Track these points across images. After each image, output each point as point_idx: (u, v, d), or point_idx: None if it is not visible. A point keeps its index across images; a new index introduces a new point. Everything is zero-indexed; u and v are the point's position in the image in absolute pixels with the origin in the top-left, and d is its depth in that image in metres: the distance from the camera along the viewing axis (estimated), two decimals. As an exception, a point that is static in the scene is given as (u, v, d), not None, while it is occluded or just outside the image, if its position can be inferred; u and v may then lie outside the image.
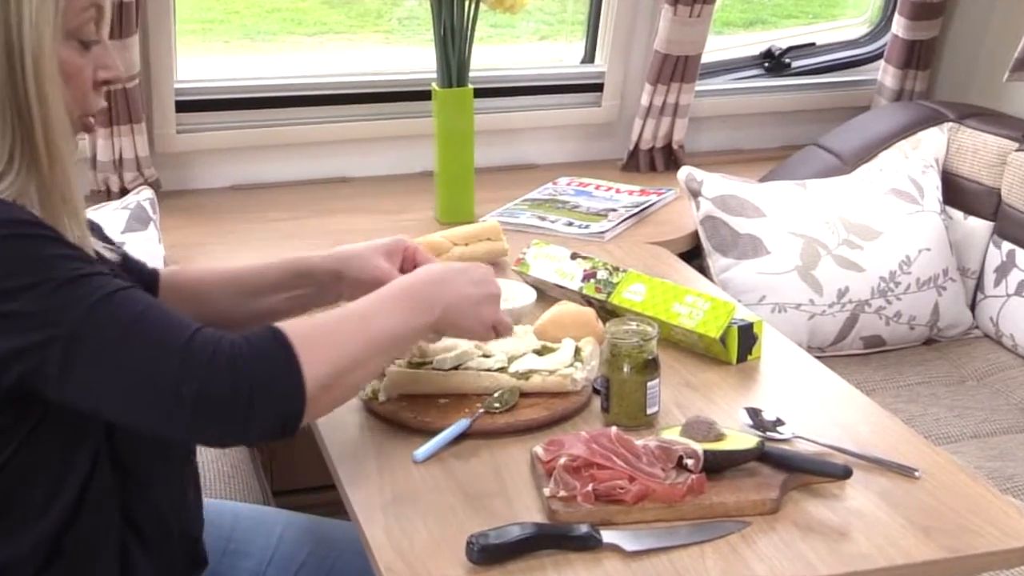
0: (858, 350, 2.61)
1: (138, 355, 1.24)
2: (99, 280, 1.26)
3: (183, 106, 2.81)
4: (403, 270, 1.65)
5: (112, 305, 1.25)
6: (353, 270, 1.62)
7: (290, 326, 1.31)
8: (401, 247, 1.68)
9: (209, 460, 2.07)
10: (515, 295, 1.97)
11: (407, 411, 1.66)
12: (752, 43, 3.36)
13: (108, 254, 1.44)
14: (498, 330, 1.57)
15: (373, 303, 1.42)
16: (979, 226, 2.68)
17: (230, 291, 1.64)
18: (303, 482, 2.49)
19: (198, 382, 1.24)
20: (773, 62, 3.33)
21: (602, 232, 2.55)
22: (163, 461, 1.43)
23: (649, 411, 1.64)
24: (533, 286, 2.03)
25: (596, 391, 1.71)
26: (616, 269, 1.98)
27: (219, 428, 1.26)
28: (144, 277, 1.60)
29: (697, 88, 3.07)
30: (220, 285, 1.65)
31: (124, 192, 2.63)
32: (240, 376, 1.25)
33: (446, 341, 1.75)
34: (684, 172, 2.67)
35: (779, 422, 1.64)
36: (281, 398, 1.28)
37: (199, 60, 2.95)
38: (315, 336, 1.32)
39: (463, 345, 1.74)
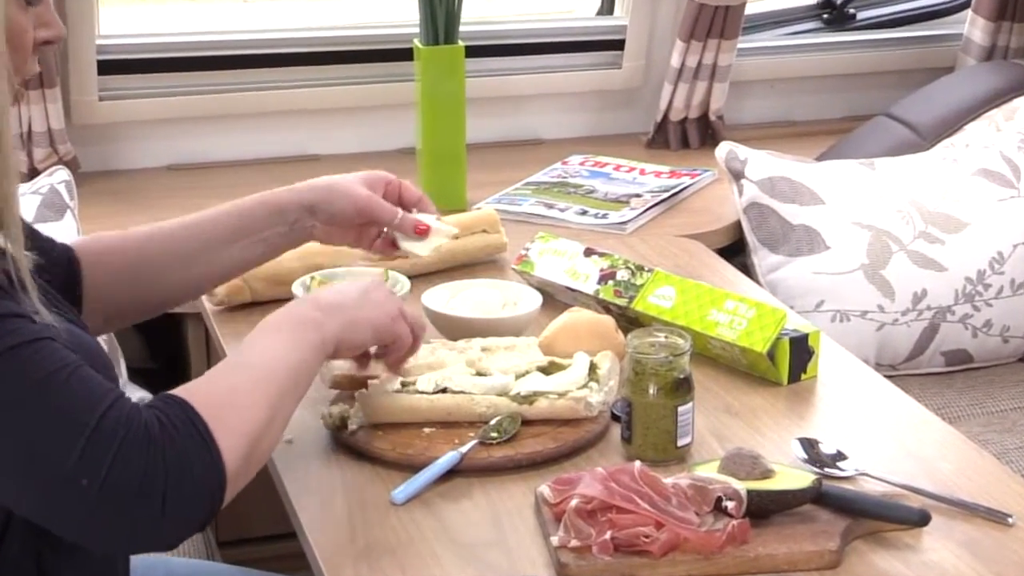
0: (939, 368, 2.61)
1: (34, 432, 1.25)
2: (10, 324, 1.26)
3: (107, 67, 2.82)
4: (386, 198, 1.74)
5: (15, 361, 1.25)
6: (331, 200, 1.69)
7: (197, 396, 1.34)
8: (383, 179, 1.74)
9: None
10: (516, 300, 1.98)
11: (383, 442, 1.67)
12: (808, -10, 3.38)
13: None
14: (414, 330, 1.61)
15: (255, 340, 1.46)
16: (1087, 215, 2.69)
17: (179, 249, 1.67)
18: (255, 530, 2.50)
19: (103, 472, 1.25)
20: (834, 13, 3.34)
21: (623, 223, 2.56)
22: None
23: (680, 442, 1.65)
24: (538, 289, 2.04)
25: (615, 418, 1.72)
26: (640, 268, 1.99)
27: (122, 529, 1.27)
28: (55, 258, 1.60)
29: (740, 46, 3.08)
30: (165, 244, 1.67)
31: (34, 173, 2.63)
32: (155, 469, 1.27)
33: (431, 357, 1.76)
34: (724, 149, 2.68)
35: (840, 456, 1.65)
36: (198, 495, 1.30)
37: (127, 11, 2.97)
38: (222, 401, 1.34)
39: (452, 361, 1.75)
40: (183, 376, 2.28)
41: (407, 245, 1.80)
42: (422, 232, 1.78)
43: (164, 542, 1.32)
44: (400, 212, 1.77)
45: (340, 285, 1.62)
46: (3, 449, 1.25)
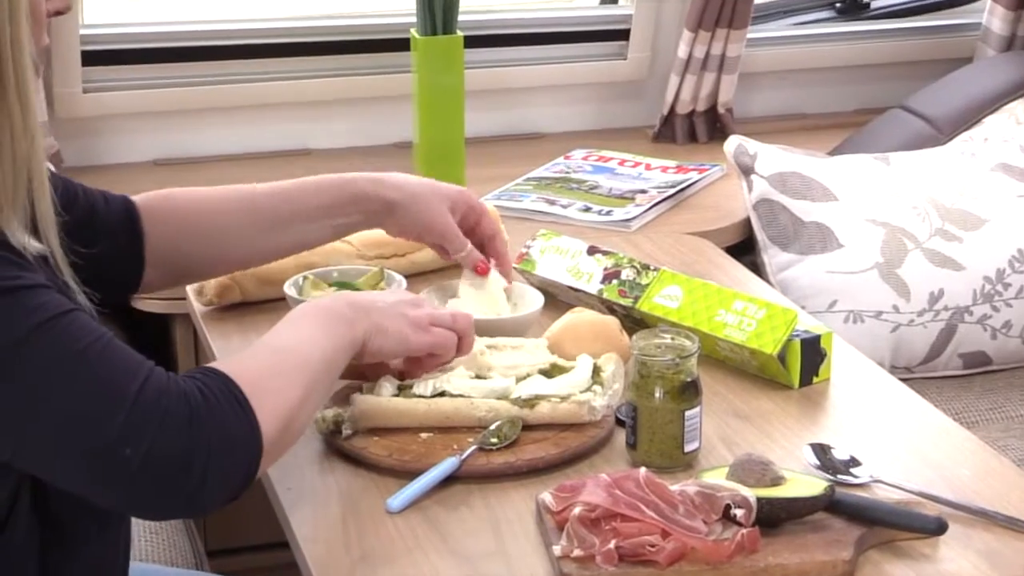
0: (956, 370, 2.62)
1: (76, 404, 1.29)
2: (39, 296, 1.30)
3: (91, 58, 2.82)
4: (464, 230, 1.83)
5: (51, 334, 1.29)
6: (412, 209, 1.78)
7: (238, 371, 1.39)
8: (468, 203, 1.82)
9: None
10: (517, 301, 1.98)
11: (379, 448, 1.67)
12: (821, -22, 3.38)
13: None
14: (457, 329, 1.65)
15: (288, 327, 1.52)
16: (1111, 212, 2.69)
17: (265, 215, 1.72)
18: (245, 539, 2.50)
19: (147, 444, 1.29)
20: (847, 2, 3.34)
21: (628, 220, 2.57)
22: (97, 517, 1.45)
23: (687, 448, 1.65)
24: (539, 289, 2.04)
25: (620, 422, 1.72)
26: (646, 267, 1.99)
27: (163, 498, 1.33)
28: (111, 213, 1.65)
29: (750, 35, 3.08)
30: (248, 207, 1.72)
31: (17, 168, 2.63)
32: (197, 439, 1.32)
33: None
34: (733, 143, 2.68)
35: (853, 462, 1.65)
36: (237, 464, 1.36)
37: (112, 0, 2.97)
38: (264, 381, 1.41)
39: (454, 362, 1.75)
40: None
41: (464, 280, 1.91)
42: (482, 272, 1.88)
43: (202, 509, 1.36)
44: (469, 246, 1.85)
45: (378, 292, 1.73)
46: (45, 422, 1.28)
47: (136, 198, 1.73)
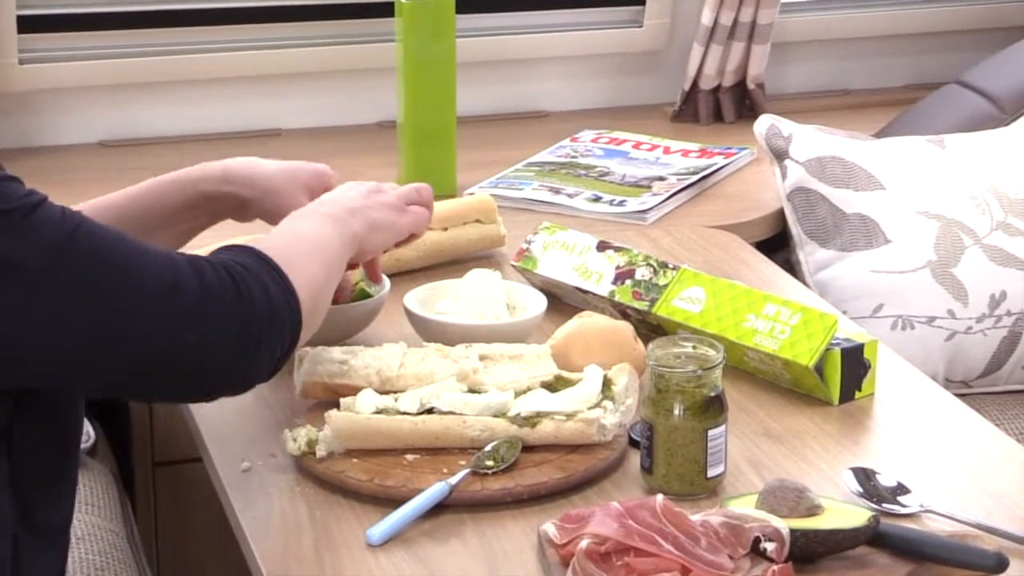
0: (1019, 384, 2.62)
1: (128, 301, 1.44)
2: (55, 208, 1.44)
3: (28, 24, 2.82)
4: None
5: (87, 235, 1.44)
6: (266, 205, 1.87)
7: (265, 246, 1.58)
8: (327, 182, 1.91)
9: (72, 542, 2.09)
10: (516, 304, 1.99)
11: (359, 471, 1.68)
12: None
13: None
14: (423, 201, 1.85)
15: (303, 219, 1.71)
16: None
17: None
18: (207, 574, 2.51)
19: (206, 324, 1.47)
20: (896, -39, 3.35)
21: (644, 211, 2.57)
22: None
23: (711, 473, 1.66)
24: (542, 290, 2.05)
25: (634, 443, 1.73)
26: (664, 266, 2.00)
27: (222, 376, 1.52)
28: None
29: (784, 0, 3.09)
30: (108, 220, 1.74)
31: (-57, 150, 2.65)
32: (248, 310, 1.50)
33: (421, 365, 1.77)
34: (765, 123, 2.69)
35: (901, 489, 1.66)
36: (283, 331, 1.54)
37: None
38: (292, 256, 1.59)
39: (438, 375, 1.76)
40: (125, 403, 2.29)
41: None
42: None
43: (253, 382, 1.56)
44: None
45: (339, 189, 1.82)
46: (102, 325, 1.43)
47: None
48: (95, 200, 1.82)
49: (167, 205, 1.84)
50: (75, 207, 1.75)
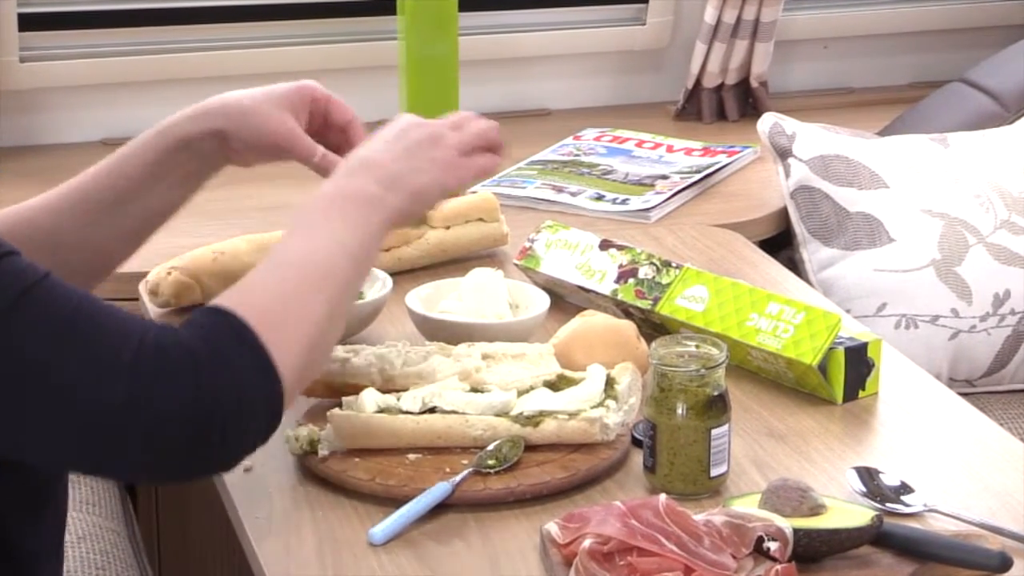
0: (1024, 384, 2.63)
1: (74, 371, 1.31)
2: (17, 262, 1.33)
3: (30, 21, 2.83)
4: (312, 132, 1.72)
5: (36, 300, 1.32)
6: (246, 131, 1.69)
7: (243, 305, 1.39)
8: (309, 96, 1.73)
9: (71, 542, 2.09)
10: (519, 302, 1.99)
11: (360, 471, 1.68)
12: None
13: None
14: (482, 163, 1.65)
15: (307, 224, 1.50)
16: None
17: (80, 217, 1.67)
18: (208, 574, 2.51)
19: (153, 409, 1.32)
20: (900, -41, 3.35)
21: (647, 209, 2.57)
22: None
23: (714, 472, 1.66)
24: (545, 289, 2.05)
25: (636, 442, 1.73)
26: (667, 264, 2.00)
27: (181, 462, 1.35)
28: None
29: (788, -3, 3.09)
30: (64, 212, 1.67)
31: (-57, 149, 2.64)
32: (207, 397, 1.33)
33: (423, 364, 1.77)
34: (768, 121, 2.69)
35: (905, 488, 1.66)
36: (256, 415, 1.38)
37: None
38: (277, 311, 1.41)
39: (441, 374, 1.76)
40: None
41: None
42: None
43: (222, 469, 1.44)
44: (320, 151, 1.73)
45: (391, 133, 1.63)
46: (42, 400, 1.31)
47: None
48: (49, 192, 1.72)
49: (147, 158, 1.69)
50: (30, 200, 1.70)
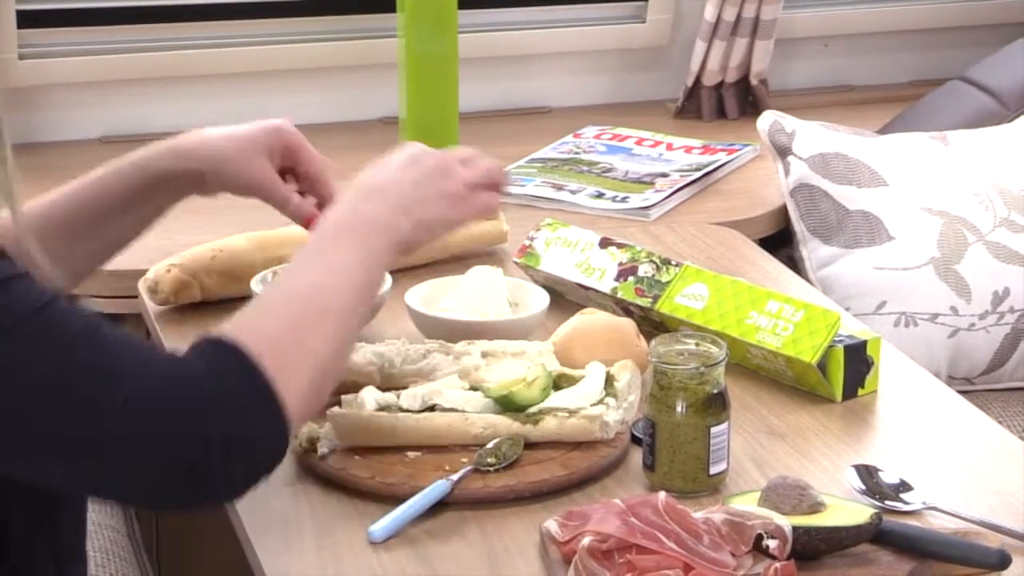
0: (1023, 382, 2.62)
1: (72, 399, 1.31)
2: (24, 284, 1.33)
3: (29, 18, 2.83)
4: (282, 171, 1.76)
5: (40, 324, 1.31)
6: (224, 176, 1.74)
7: (255, 339, 1.38)
8: (284, 141, 1.77)
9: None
10: (518, 300, 1.99)
11: (361, 469, 1.68)
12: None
13: None
14: (486, 200, 1.66)
15: (319, 252, 1.51)
16: None
17: (50, 230, 1.67)
18: (205, 573, 2.51)
19: (158, 439, 1.31)
20: (900, -43, 3.35)
21: (647, 207, 2.58)
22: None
23: (713, 470, 1.66)
24: (544, 287, 2.05)
25: (636, 440, 1.73)
26: (666, 262, 2.00)
27: (178, 496, 1.35)
28: None
29: (787, -5, 3.09)
30: (35, 227, 1.66)
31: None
32: (214, 431, 1.33)
33: (423, 362, 1.77)
34: (767, 119, 2.69)
35: (904, 486, 1.66)
36: (262, 452, 1.38)
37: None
38: (287, 346, 1.40)
39: (440, 372, 1.76)
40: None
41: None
42: (307, 226, 1.76)
43: (223, 502, 1.45)
44: (294, 200, 1.77)
45: (402, 160, 1.63)
46: (40, 426, 1.31)
47: None
48: (50, 194, 1.73)
49: (124, 188, 1.72)
50: (29, 202, 1.68)
